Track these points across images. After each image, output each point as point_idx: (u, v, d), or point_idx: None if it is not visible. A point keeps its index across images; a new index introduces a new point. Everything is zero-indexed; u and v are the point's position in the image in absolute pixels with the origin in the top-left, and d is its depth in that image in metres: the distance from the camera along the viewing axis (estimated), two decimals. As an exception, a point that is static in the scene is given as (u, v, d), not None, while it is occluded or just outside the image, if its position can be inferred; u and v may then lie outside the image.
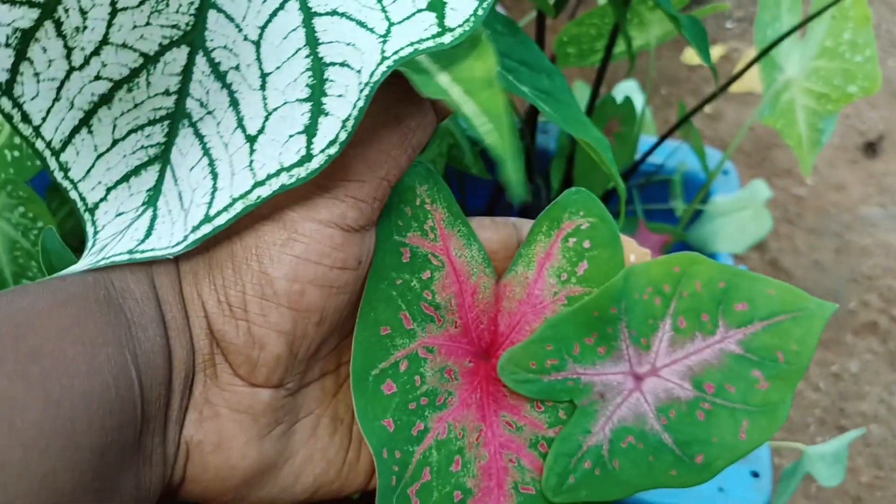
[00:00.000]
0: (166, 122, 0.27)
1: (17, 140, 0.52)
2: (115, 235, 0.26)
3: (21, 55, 0.26)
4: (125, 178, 0.27)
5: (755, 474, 0.67)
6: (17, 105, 0.26)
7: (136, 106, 0.27)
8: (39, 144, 0.26)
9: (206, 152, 0.26)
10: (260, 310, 0.25)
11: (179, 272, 0.26)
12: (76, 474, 0.20)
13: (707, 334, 0.28)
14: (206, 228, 0.24)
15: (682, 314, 0.28)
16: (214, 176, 0.25)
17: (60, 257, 0.34)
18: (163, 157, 0.27)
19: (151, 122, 0.27)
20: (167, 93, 0.27)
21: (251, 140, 0.25)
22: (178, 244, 0.25)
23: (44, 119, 0.26)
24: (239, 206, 0.24)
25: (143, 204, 0.27)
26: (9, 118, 0.26)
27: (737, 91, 1.39)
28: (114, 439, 0.22)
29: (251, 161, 0.24)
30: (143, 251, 0.25)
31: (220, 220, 0.24)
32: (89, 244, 0.27)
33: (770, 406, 0.28)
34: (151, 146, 0.27)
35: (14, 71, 0.26)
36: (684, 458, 0.28)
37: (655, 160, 0.87)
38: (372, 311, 0.27)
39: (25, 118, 0.26)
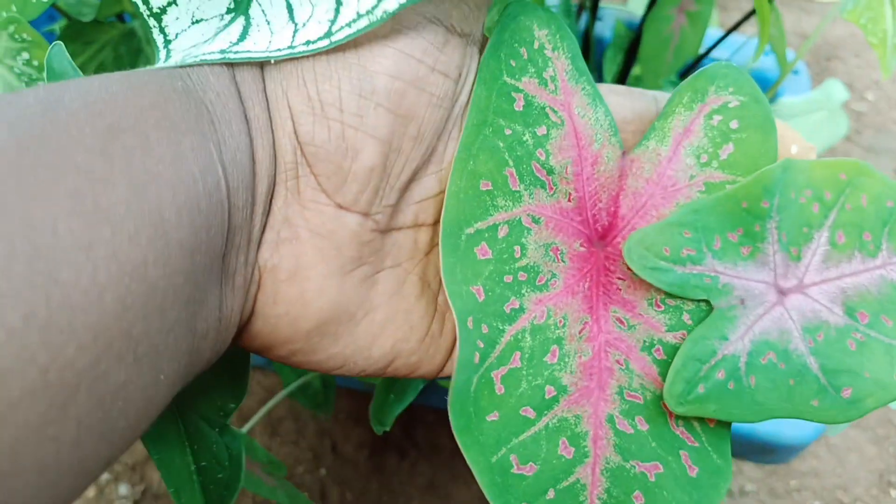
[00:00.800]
0: None
1: (20, -27, 0.46)
2: (196, 46, 0.23)
3: None
4: None
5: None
6: None
7: None
8: None
9: None
10: (357, 109, 0.22)
11: (263, 69, 0.23)
12: (167, 271, 0.18)
13: (867, 256, 0.24)
14: (323, 43, 0.21)
15: (842, 228, 0.24)
16: None
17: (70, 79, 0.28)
18: None
19: None
20: None
21: None
22: (280, 50, 0.22)
23: None
24: (363, 23, 0.21)
25: (227, 11, 0.23)
26: None
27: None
28: (203, 241, 0.19)
29: None
30: (237, 52, 0.22)
31: (341, 36, 0.21)
32: (160, 56, 0.23)
33: None
34: None
35: None
36: (829, 388, 0.24)
37: (720, 54, 0.80)
38: (471, 159, 0.24)
39: None
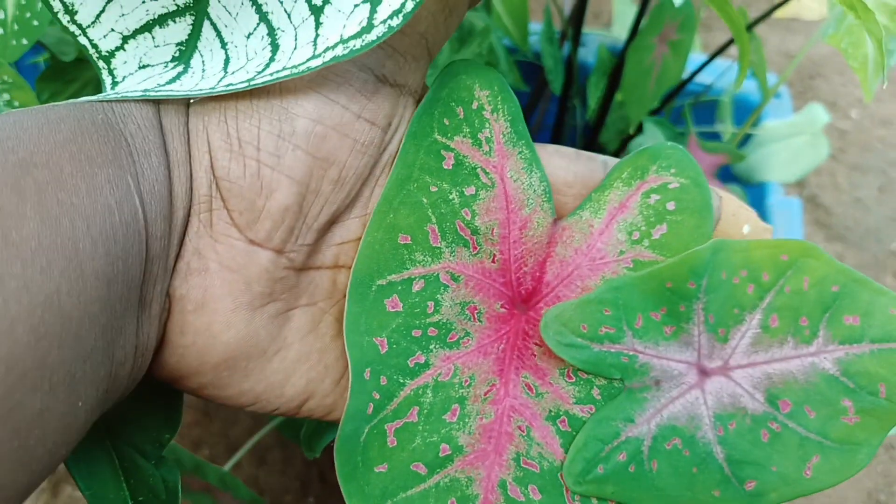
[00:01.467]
0: None
1: (0, 14, 0.46)
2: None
3: None
4: (146, 27, 0.24)
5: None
6: None
7: None
8: None
9: (265, 19, 0.23)
10: (274, 149, 0.22)
11: (188, 104, 0.23)
12: (83, 300, 0.18)
13: (801, 342, 0.23)
14: (242, 85, 0.22)
15: (777, 311, 0.23)
16: (275, 48, 0.22)
17: None
18: (196, 7, 0.24)
19: None
20: None
21: (317, 11, 0.22)
22: (202, 91, 0.22)
23: None
24: (284, 73, 0.21)
25: (172, 59, 0.24)
26: None
27: (781, 17, 1.31)
28: (119, 270, 0.19)
29: (317, 35, 0.22)
30: (158, 90, 0.22)
31: (259, 81, 0.22)
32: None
33: (851, 445, 0.23)
34: None
35: None
36: (733, 479, 0.23)
37: (703, 79, 0.81)
38: (392, 212, 0.24)
39: None
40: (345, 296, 0.25)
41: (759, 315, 0.23)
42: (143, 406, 0.27)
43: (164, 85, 0.23)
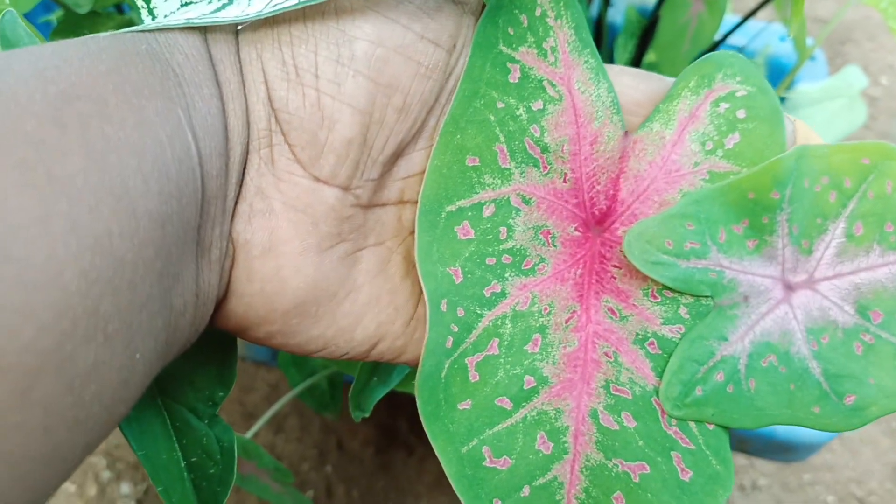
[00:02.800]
0: None
1: (11, -36, 0.44)
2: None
3: None
4: None
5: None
6: None
7: None
8: None
9: None
10: (333, 76, 0.20)
11: (237, 31, 0.21)
12: (136, 243, 0.17)
13: (888, 249, 0.22)
14: (293, 5, 0.20)
15: (861, 218, 0.22)
16: None
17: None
18: None
19: None
20: None
21: None
22: (249, 15, 0.20)
23: None
24: None
25: None
26: None
27: (809, -21, 1.27)
28: (174, 210, 0.18)
29: None
30: (202, 18, 0.21)
31: None
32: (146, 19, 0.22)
33: None
34: None
35: None
36: (832, 394, 0.22)
37: (736, 41, 0.78)
38: (459, 132, 0.22)
39: None
40: (412, 233, 0.24)
41: (842, 223, 0.23)
42: (194, 363, 0.26)
43: (208, 14, 0.21)
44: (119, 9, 0.56)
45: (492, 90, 0.23)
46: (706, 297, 0.23)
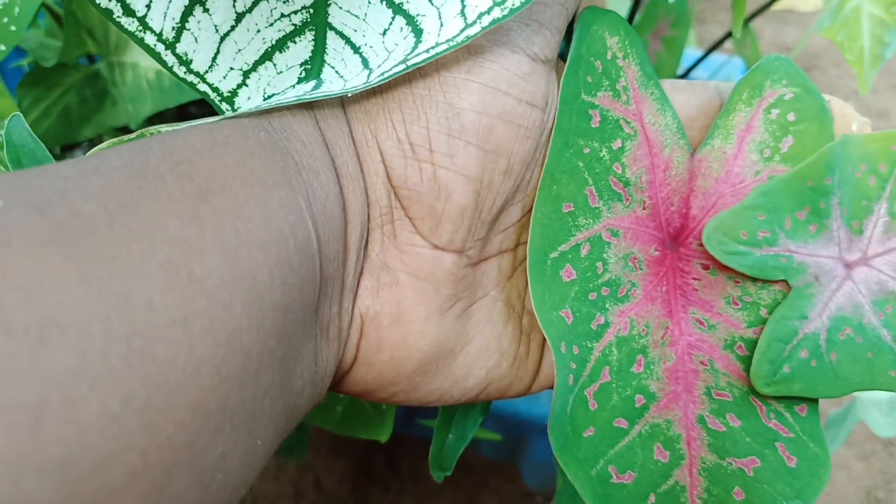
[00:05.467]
0: None
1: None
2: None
3: None
4: (265, 56, 0.23)
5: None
6: None
7: None
8: (149, 39, 0.22)
9: (399, 10, 0.22)
10: (447, 148, 0.22)
11: (346, 112, 0.23)
12: (261, 336, 0.17)
13: None
14: (399, 68, 0.21)
15: None
16: (418, 34, 0.22)
17: (31, 153, 0.28)
18: (315, 21, 0.23)
19: None
20: None
21: None
22: (357, 87, 0.22)
23: (148, 6, 0.22)
24: (442, 48, 0.21)
25: (298, 80, 0.23)
26: (108, 14, 0.22)
27: (776, 9, 1.30)
28: (295, 300, 0.19)
29: (463, 7, 0.21)
30: (311, 94, 0.22)
31: (417, 60, 0.21)
32: None
33: None
34: (294, 12, 0.23)
35: None
36: None
37: (699, 75, 0.80)
38: (554, 184, 0.24)
39: (127, 9, 0.22)
40: (509, 278, 0.25)
41: (885, 204, 0.25)
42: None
43: (310, 92, 0.22)
44: (90, 59, 0.56)
45: (578, 138, 0.24)
46: (781, 281, 0.25)
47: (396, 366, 0.23)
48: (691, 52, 0.82)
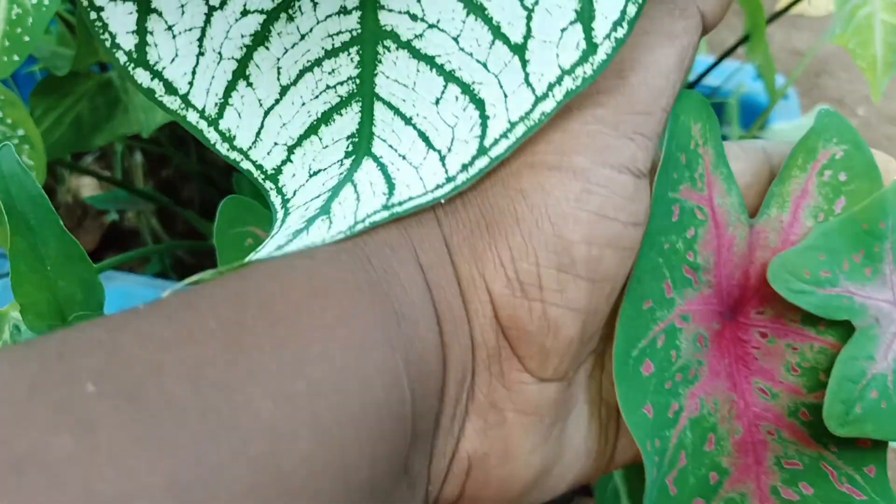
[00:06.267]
0: (353, 49, 0.22)
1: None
2: (316, 199, 0.22)
3: (146, 7, 0.20)
4: (311, 130, 0.22)
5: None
6: (156, 74, 0.21)
7: (302, 37, 0.22)
8: (192, 116, 0.22)
9: (452, 77, 0.21)
10: (556, 284, 0.21)
11: (449, 248, 0.22)
12: None
13: None
14: (482, 162, 0.20)
15: None
16: (479, 104, 0.21)
17: (20, 183, 0.28)
18: (362, 92, 0.22)
19: (331, 54, 0.22)
20: (344, 10, 0.21)
21: (519, 49, 0.20)
22: (441, 186, 0.20)
23: (191, 83, 0.22)
24: (520, 130, 0.20)
25: (347, 154, 0.22)
26: (150, 94, 0.22)
27: (779, 13, 1.30)
28: (383, 470, 0.18)
29: (526, 75, 0.20)
30: (399, 202, 0.20)
31: (500, 149, 0.20)
32: (279, 215, 0.22)
33: None
34: (340, 83, 0.22)
35: (142, 30, 0.21)
36: None
37: (710, 82, 0.80)
38: (639, 284, 0.24)
39: (170, 88, 0.21)
40: (590, 375, 0.25)
41: None
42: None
43: (390, 196, 0.21)
44: (102, 67, 0.56)
45: (661, 236, 0.24)
46: (838, 346, 0.25)
47: (501, 496, 0.23)
48: (703, 59, 0.82)
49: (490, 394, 0.22)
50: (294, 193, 0.22)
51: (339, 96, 0.22)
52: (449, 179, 0.21)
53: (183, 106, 0.22)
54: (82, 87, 0.52)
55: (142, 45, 0.21)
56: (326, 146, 0.22)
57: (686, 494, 0.24)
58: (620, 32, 0.19)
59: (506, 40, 0.20)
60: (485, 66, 0.21)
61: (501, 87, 0.21)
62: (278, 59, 0.22)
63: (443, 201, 0.21)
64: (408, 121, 0.22)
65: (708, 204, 0.25)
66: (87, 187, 0.77)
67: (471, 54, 0.21)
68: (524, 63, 0.20)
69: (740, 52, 1.22)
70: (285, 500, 0.15)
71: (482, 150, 0.20)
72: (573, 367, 0.23)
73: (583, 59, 0.19)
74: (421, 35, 0.21)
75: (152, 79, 0.21)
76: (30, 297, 0.30)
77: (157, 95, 0.21)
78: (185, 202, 0.75)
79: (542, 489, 0.24)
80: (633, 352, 0.23)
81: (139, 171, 0.75)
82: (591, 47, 0.19)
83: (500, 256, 0.21)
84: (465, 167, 0.21)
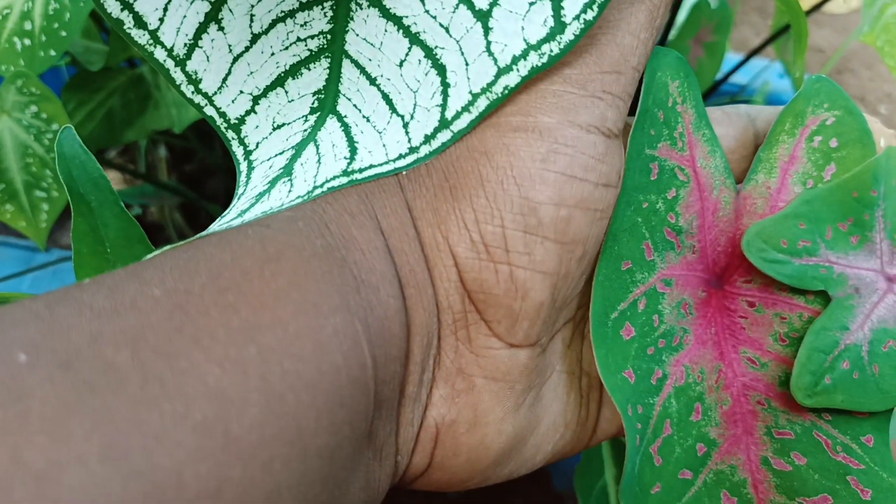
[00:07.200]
0: (328, 3, 0.21)
1: (27, 26, 0.45)
2: (279, 157, 0.22)
3: None
4: (277, 81, 0.22)
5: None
6: (126, 5, 0.21)
7: None
8: (159, 54, 0.22)
9: (416, 40, 0.21)
10: (523, 246, 0.20)
11: (412, 212, 0.21)
12: (302, 489, 0.16)
13: None
14: (444, 136, 0.20)
15: None
16: (441, 69, 0.21)
17: (81, 165, 0.28)
18: (331, 48, 0.22)
19: (305, 6, 0.22)
20: None
21: (482, 16, 0.20)
22: (403, 156, 0.21)
23: (161, 20, 0.21)
24: (482, 104, 0.20)
25: (312, 111, 0.22)
26: (119, 24, 0.21)
27: (807, 10, 1.28)
28: (344, 436, 0.17)
29: (488, 43, 0.20)
30: (360, 170, 0.21)
31: (462, 123, 0.20)
32: (242, 167, 0.22)
33: None
34: (311, 37, 0.22)
35: None
36: None
37: (738, 80, 0.79)
38: (615, 243, 0.23)
39: (139, 21, 0.21)
40: (569, 346, 0.25)
41: None
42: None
43: (352, 161, 0.21)
44: (131, 63, 0.56)
45: (638, 194, 0.23)
46: (821, 292, 0.24)
47: (472, 465, 0.22)
48: (731, 57, 0.82)
49: (457, 359, 0.21)
50: (257, 146, 0.22)
51: (308, 50, 0.22)
52: (412, 150, 0.20)
53: (151, 42, 0.21)
54: (114, 81, 0.52)
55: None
56: (292, 100, 0.22)
57: (672, 465, 0.23)
58: (590, 14, 0.19)
59: (470, 5, 0.20)
60: (447, 30, 0.20)
61: (462, 53, 0.20)
62: (252, 6, 0.21)
63: (404, 172, 0.21)
64: (373, 81, 0.22)
65: (690, 165, 0.24)
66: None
67: (434, 17, 0.21)
68: (487, 30, 0.20)
69: (768, 51, 1.21)
70: (235, 465, 0.15)
71: (444, 123, 0.20)
72: (545, 332, 0.22)
73: (550, 36, 0.19)
74: None
75: (122, 10, 0.21)
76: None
77: (125, 27, 0.21)
78: (209, 196, 0.75)
79: (518, 460, 0.23)
80: (611, 313, 0.23)
81: (163, 165, 0.75)
82: (560, 25, 0.19)
83: (464, 219, 0.21)
84: (427, 139, 0.20)
